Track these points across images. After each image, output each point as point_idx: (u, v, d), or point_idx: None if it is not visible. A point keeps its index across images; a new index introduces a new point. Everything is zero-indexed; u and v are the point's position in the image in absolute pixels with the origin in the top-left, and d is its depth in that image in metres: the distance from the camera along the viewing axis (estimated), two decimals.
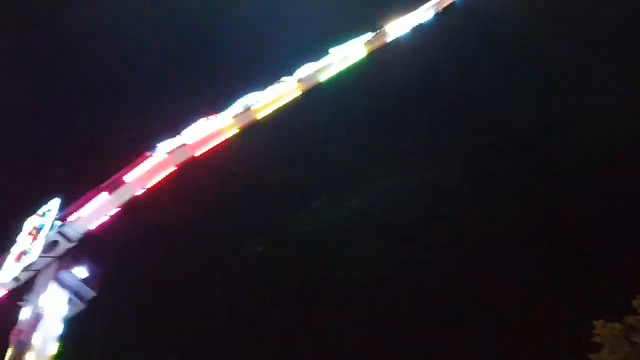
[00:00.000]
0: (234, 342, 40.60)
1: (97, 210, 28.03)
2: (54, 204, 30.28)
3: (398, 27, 33.42)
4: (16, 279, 27.32)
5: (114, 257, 31.15)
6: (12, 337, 24.28)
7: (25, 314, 25.52)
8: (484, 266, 41.82)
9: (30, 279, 27.39)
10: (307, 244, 45.52)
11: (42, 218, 29.55)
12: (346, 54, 29.79)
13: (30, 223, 30.12)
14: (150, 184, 28.33)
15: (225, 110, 28.15)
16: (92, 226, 28.27)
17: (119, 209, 28.53)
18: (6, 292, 27.68)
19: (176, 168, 28.50)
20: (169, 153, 28.11)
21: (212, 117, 28.09)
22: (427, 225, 45.37)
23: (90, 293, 27.54)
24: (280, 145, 46.28)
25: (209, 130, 27.71)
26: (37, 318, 24.56)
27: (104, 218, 28.31)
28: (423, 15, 35.15)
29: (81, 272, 27.56)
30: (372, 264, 43.27)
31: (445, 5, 36.59)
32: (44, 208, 30.38)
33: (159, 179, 28.23)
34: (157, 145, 28.52)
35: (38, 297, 25.93)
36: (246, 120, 28.01)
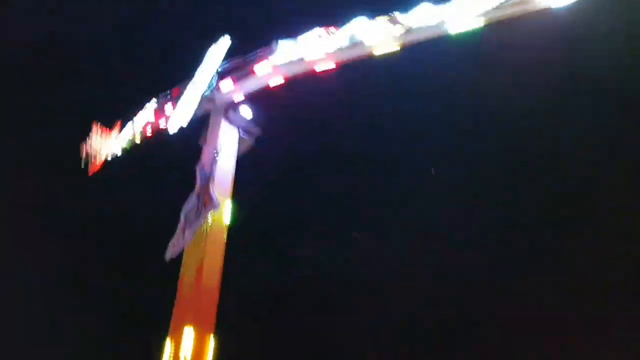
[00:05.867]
0: None
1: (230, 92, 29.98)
2: (224, 43, 30.97)
3: None
4: (186, 121, 30.75)
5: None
6: (198, 170, 27.79)
7: (206, 149, 29.28)
8: None
9: (205, 119, 30.92)
10: None
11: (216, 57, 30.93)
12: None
13: (210, 55, 31.32)
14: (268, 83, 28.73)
15: (336, 34, 25.52)
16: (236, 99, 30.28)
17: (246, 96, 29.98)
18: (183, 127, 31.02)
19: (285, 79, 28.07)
20: (277, 65, 27.56)
21: (330, 30, 25.83)
22: None
23: (256, 130, 30.58)
24: None
25: (320, 54, 25.96)
26: (215, 153, 28.31)
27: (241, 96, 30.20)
28: None
29: (246, 112, 30.38)
30: None
31: None
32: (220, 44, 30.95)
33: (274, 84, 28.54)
34: (278, 42, 27.73)
35: (214, 135, 29.41)
36: (351, 56, 25.53)
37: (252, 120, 31.24)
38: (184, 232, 26.71)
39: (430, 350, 38.22)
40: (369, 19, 24.90)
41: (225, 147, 29.70)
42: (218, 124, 30.46)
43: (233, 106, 30.87)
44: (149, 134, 35.80)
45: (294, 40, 27.55)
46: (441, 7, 22.57)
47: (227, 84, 30.44)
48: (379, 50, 24.72)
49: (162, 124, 34.80)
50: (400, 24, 23.59)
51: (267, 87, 29.24)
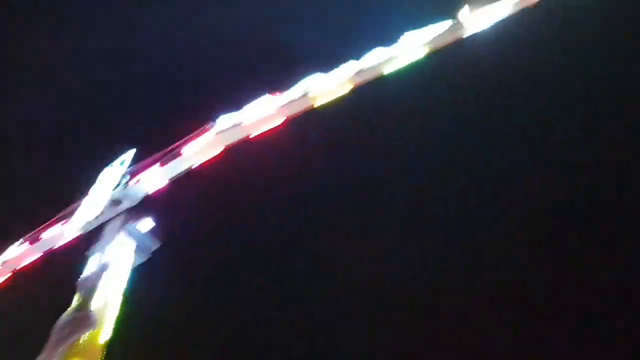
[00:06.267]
0: None
1: (152, 180, 28.03)
2: (129, 155, 29.98)
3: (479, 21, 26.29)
4: (83, 229, 27.79)
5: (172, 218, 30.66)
6: (79, 284, 24.47)
7: (92, 262, 25.54)
8: None
9: (96, 229, 27.55)
10: None
11: (115, 169, 29.67)
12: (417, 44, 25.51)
13: (104, 174, 30.12)
14: (204, 159, 27.70)
15: (288, 91, 26.86)
16: (150, 191, 28.13)
17: (171, 181, 28.13)
18: (73, 240, 28.24)
19: (224, 149, 27.47)
20: (220, 132, 27.23)
21: (276, 95, 26.87)
22: None
23: (155, 244, 27.61)
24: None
25: (268, 112, 26.57)
26: (103, 267, 24.86)
27: (161, 185, 28.08)
28: (507, 9, 27.06)
29: (146, 224, 27.69)
30: None
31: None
32: (119, 159, 30.17)
33: (212, 156, 27.58)
34: (218, 118, 27.67)
35: (104, 247, 26.13)
36: (302, 107, 26.59)
37: (151, 231, 28.22)
38: (53, 352, 21.97)
39: None
40: (321, 73, 27.16)
41: (116, 260, 26.09)
42: (112, 235, 27.26)
43: (133, 216, 28.18)
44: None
45: (237, 111, 27.96)
46: (390, 47, 26.34)
47: (150, 173, 28.35)
48: (330, 97, 26.56)
49: (32, 257, 30.78)
50: (351, 68, 26.52)
51: (205, 162, 27.99)
